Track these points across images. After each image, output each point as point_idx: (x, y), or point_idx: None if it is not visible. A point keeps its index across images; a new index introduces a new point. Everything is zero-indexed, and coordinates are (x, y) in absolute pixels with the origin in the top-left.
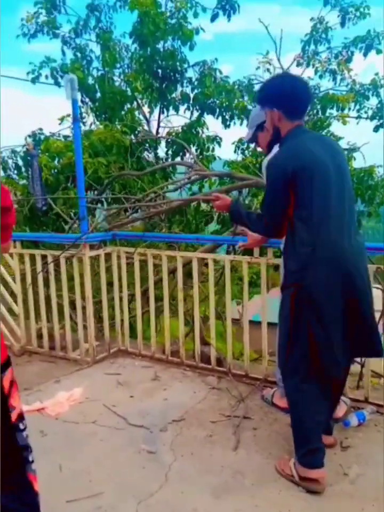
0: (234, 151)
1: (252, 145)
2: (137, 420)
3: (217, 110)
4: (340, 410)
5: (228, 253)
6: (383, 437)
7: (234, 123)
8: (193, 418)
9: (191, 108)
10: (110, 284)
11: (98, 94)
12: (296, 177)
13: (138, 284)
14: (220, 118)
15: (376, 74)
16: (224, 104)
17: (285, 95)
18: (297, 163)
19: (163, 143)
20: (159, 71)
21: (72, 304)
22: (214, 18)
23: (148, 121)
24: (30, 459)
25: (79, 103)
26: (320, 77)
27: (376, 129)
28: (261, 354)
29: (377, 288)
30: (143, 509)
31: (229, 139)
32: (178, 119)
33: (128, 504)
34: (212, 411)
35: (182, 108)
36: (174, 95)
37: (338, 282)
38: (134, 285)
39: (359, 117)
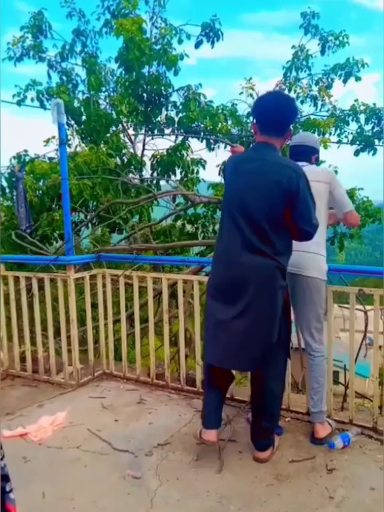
0: (219, 174)
1: None
2: (122, 445)
3: (202, 133)
4: (322, 431)
5: None
6: (368, 459)
7: (218, 146)
8: (179, 442)
9: (175, 131)
10: (95, 306)
11: (84, 117)
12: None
13: (123, 306)
14: (204, 141)
15: (356, 100)
16: (208, 128)
17: (259, 109)
18: (227, 173)
19: (148, 165)
20: (144, 95)
21: (56, 327)
22: (198, 45)
23: (133, 144)
24: (8, 489)
25: (65, 126)
26: (302, 102)
27: (356, 153)
28: (245, 376)
29: (360, 310)
30: None
31: (213, 162)
32: (163, 142)
33: None
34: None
35: (166, 131)
36: (159, 119)
37: (223, 289)
38: (119, 307)
39: (340, 142)
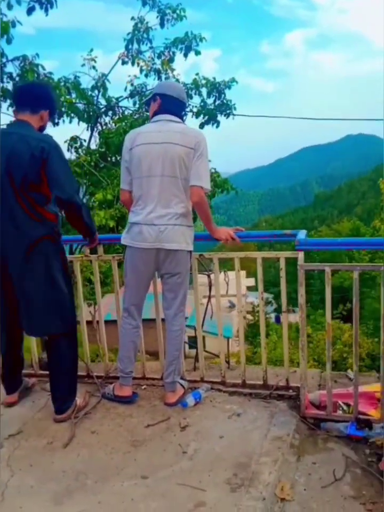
0: (68, 150)
1: (85, 144)
2: None
3: None
4: (173, 397)
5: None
6: (217, 411)
7: (63, 121)
8: (32, 428)
9: (14, 105)
10: None
11: None
12: None
13: None
14: None
15: (197, 74)
16: None
17: (13, 94)
18: None
19: None
20: None
21: None
22: (30, 11)
23: None
24: None
25: None
26: (146, 75)
27: (201, 126)
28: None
29: (204, 274)
30: None
31: (60, 137)
32: (3, 117)
33: None
34: (52, 417)
35: (4, 105)
36: None
37: None
38: None
39: (184, 115)
